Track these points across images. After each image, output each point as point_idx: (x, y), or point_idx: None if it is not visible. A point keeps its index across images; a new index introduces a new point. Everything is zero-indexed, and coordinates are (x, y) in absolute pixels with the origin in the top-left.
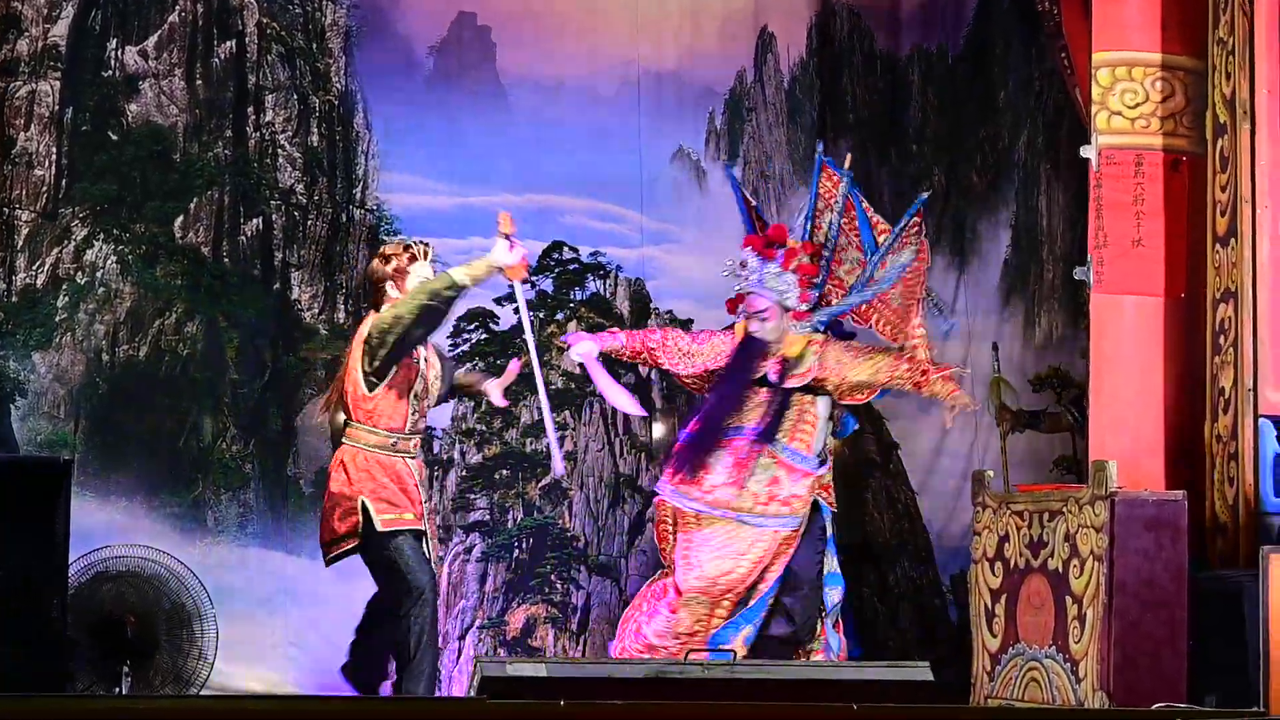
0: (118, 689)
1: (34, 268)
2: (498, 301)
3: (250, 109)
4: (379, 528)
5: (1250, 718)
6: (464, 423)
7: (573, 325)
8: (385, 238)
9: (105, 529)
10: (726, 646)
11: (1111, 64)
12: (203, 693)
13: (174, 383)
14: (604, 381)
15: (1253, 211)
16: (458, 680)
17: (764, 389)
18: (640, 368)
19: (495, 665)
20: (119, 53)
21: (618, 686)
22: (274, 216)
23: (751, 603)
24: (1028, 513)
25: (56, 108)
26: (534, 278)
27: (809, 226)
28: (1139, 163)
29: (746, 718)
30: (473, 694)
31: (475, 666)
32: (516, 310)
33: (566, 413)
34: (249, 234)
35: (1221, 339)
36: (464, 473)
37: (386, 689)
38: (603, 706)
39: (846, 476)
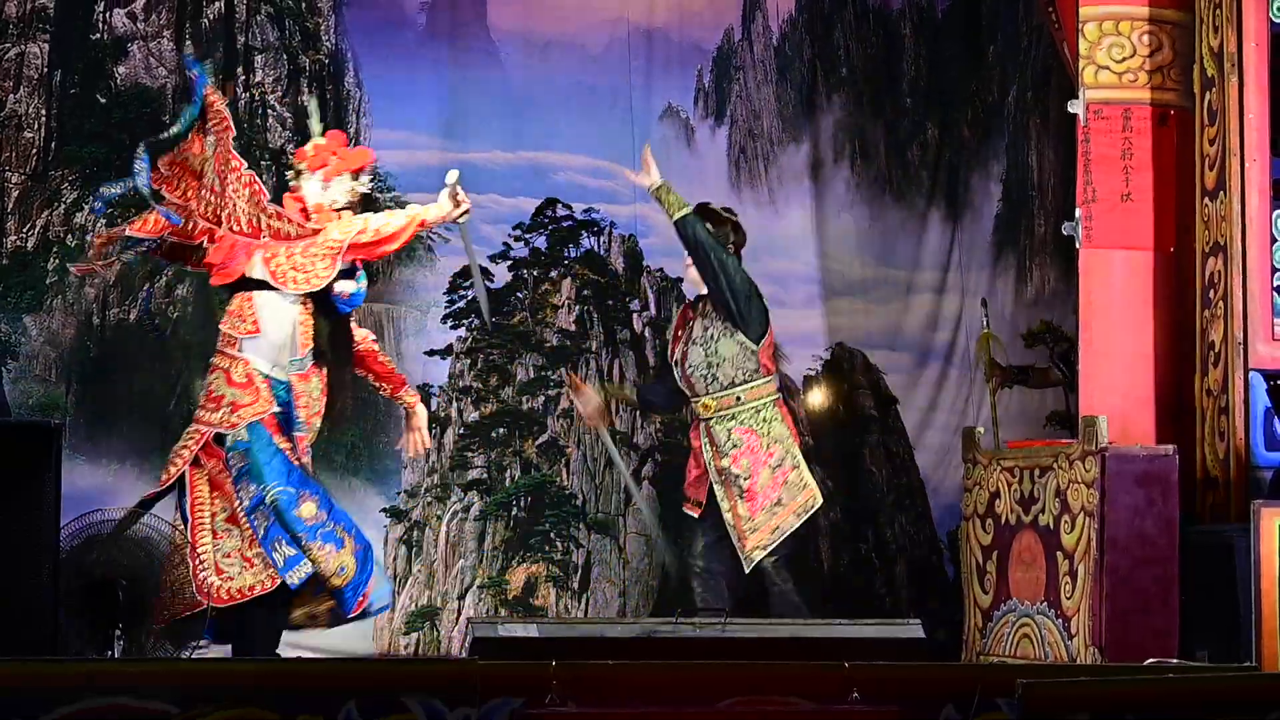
0: (109, 652)
1: (24, 230)
2: (492, 259)
3: (240, 69)
4: None
5: (1242, 672)
6: (461, 380)
7: (567, 283)
8: (378, 194)
9: (96, 492)
10: None
11: (1098, 18)
12: (194, 656)
13: (164, 346)
14: None
15: (1241, 165)
16: (456, 641)
17: None
18: (634, 324)
19: (486, 626)
20: (107, 15)
21: (609, 646)
22: (265, 177)
23: None
24: (1018, 469)
25: (45, 70)
26: (528, 235)
27: None
28: (1127, 117)
29: (738, 677)
30: (464, 655)
31: (467, 627)
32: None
33: (562, 370)
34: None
35: (1211, 293)
36: (461, 430)
37: None
38: (594, 666)
39: (841, 433)
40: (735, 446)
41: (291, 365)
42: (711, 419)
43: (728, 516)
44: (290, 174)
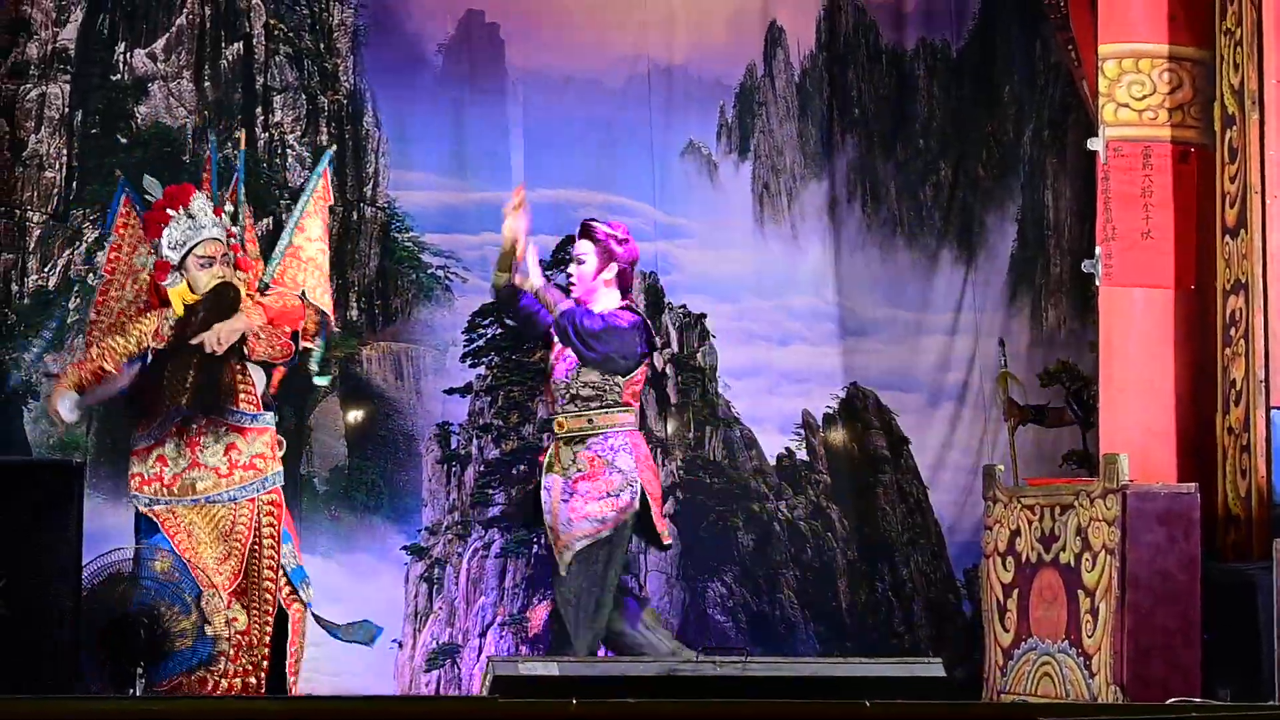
0: (131, 690)
1: (45, 269)
2: None
3: (259, 109)
4: None
5: (1265, 711)
6: (481, 418)
7: None
8: (396, 235)
9: (118, 531)
10: None
11: (1118, 56)
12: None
13: None
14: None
15: (1262, 202)
16: (477, 679)
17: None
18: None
19: (507, 664)
20: (128, 55)
21: (630, 685)
22: (284, 216)
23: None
24: (1039, 507)
25: (66, 110)
26: (549, 272)
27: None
28: (1147, 155)
29: (759, 715)
30: (485, 693)
31: (488, 666)
32: None
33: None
34: (260, 234)
35: (1232, 330)
36: (482, 468)
37: None
38: (615, 705)
39: (857, 472)
40: (579, 470)
41: None
42: (562, 438)
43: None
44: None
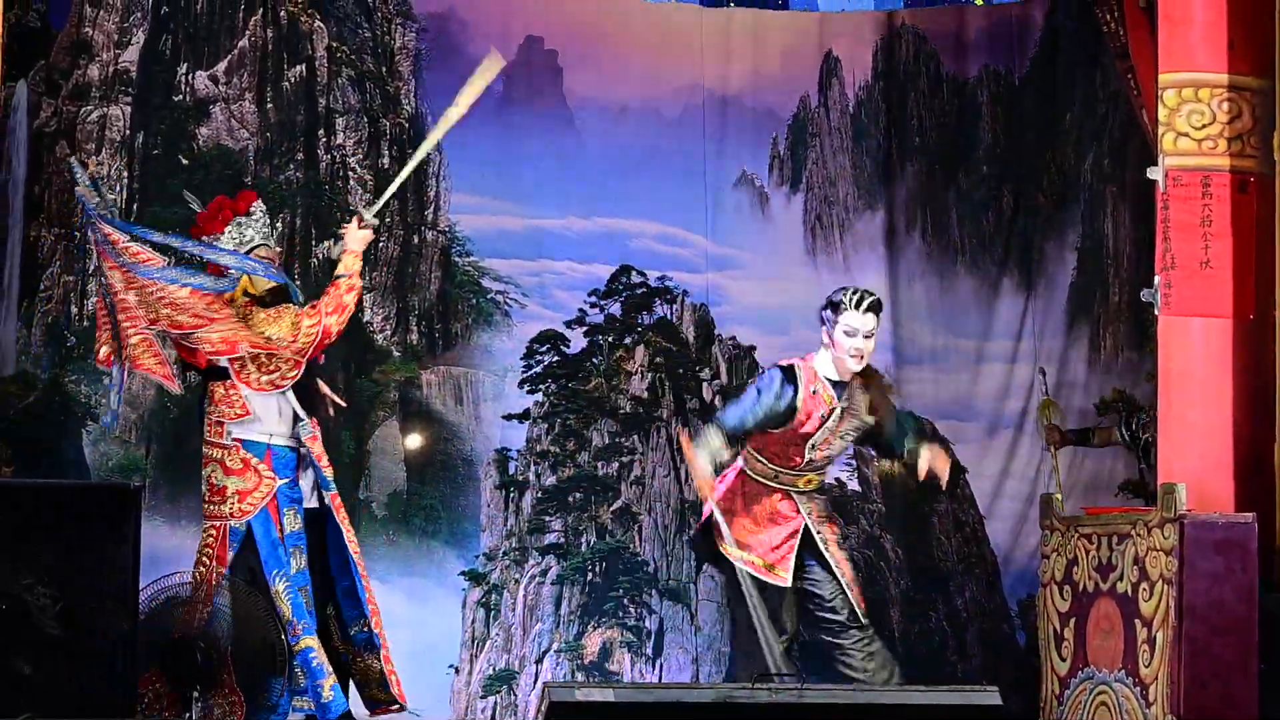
0: (187, 714)
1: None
2: (568, 325)
3: (321, 132)
4: None
5: None
6: (538, 444)
7: (640, 350)
8: (456, 259)
9: (176, 554)
10: None
11: (1178, 85)
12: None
13: None
14: None
15: None
16: (533, 705)
17: None
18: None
19: (563, 691)
20: (190, 77)
21: (686, 712)
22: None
23: None
24: (1096, 536)
25: (128, 132)
26: (603, 301)
27: None
28: (1206, 184)
29: None
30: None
31: (544, 692)
32: None
33: (635, 437)
34: (320, 256)
35: None
36: (539, 495)
37: None
38: None
39: (912, 501)
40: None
41: (303, 429)
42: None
43: (843, 580)
44: (198, 251)
